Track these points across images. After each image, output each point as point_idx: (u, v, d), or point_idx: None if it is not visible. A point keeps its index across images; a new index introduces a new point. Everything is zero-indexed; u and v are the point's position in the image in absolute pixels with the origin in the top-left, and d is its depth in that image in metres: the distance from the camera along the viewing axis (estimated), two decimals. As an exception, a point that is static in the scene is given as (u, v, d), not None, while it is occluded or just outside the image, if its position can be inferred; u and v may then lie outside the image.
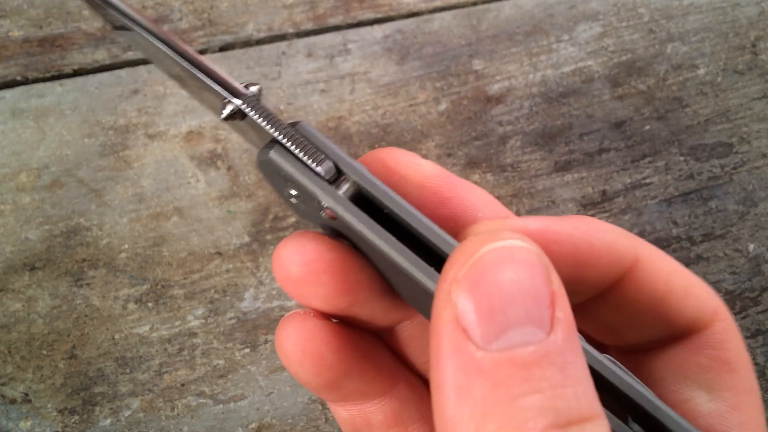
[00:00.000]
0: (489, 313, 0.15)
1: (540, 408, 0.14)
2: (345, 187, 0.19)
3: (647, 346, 0.23)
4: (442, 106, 0.48)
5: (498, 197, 0.45)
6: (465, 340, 0.15)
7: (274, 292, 0.42)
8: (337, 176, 0.19)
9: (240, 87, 0.20)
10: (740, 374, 0.21)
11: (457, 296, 0.15)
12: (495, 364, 0.14)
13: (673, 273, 0.22)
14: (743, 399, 0.21)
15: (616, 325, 0.23)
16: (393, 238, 0.19)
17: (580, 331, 0.23)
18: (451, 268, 0.16)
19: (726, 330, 0.22)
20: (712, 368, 0.21)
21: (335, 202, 0.19)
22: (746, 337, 0.41)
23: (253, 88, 0.20)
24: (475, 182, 0.46)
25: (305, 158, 0.19)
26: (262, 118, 0.20)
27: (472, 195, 0.22)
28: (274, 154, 0.19)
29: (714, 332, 0.22)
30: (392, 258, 0.19)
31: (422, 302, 0.19)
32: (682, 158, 0.47)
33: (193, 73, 0.20)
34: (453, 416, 0.15)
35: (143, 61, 0.49)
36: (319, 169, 0.19)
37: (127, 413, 0.39)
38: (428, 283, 0.18)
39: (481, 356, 0.14)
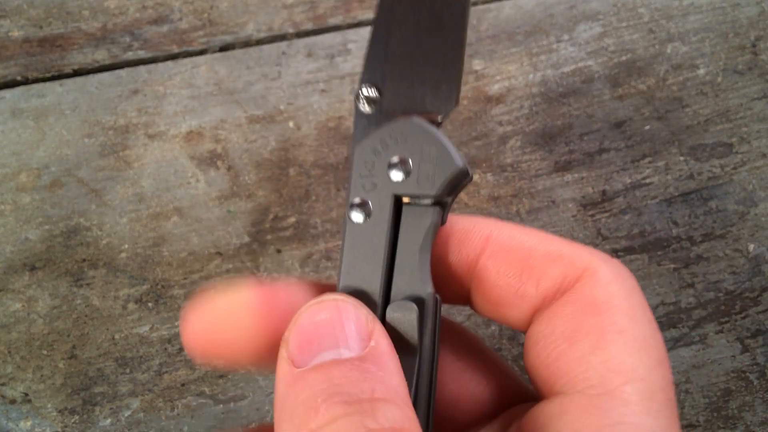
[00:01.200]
0: (308, 343, 0.19)
1: (332, 393, 0.17)
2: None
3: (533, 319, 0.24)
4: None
5: (498, 197, 0.45)
6: (290, 365, 0.19)
7: (274, 292, 0.42)
8: None
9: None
10: (609, 316, 0.21)
11: (287, 340, 0.19)
12: (304, 373, 0.18)
13: (533, 243, 0.24)
14: (610, 338, 0.21)
15: (497, 301, 0.24)
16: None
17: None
18: (290, 325, 0.20)
19: (594, 279, 0.22)
20: (576, 315, 0.22)
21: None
22: (746, 337, 0.41)
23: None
24: (475, 182, 0.46)
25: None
26: None
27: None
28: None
29: (581, 283, 0.23)
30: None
31: None
32: (682, 158, 0.47)
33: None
34: (277, 425, 0.18)
35: (143, 61, 0.49)
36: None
37: (127, 413, 0.39)
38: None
39: (297, 371, 0.19)
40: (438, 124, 0.23)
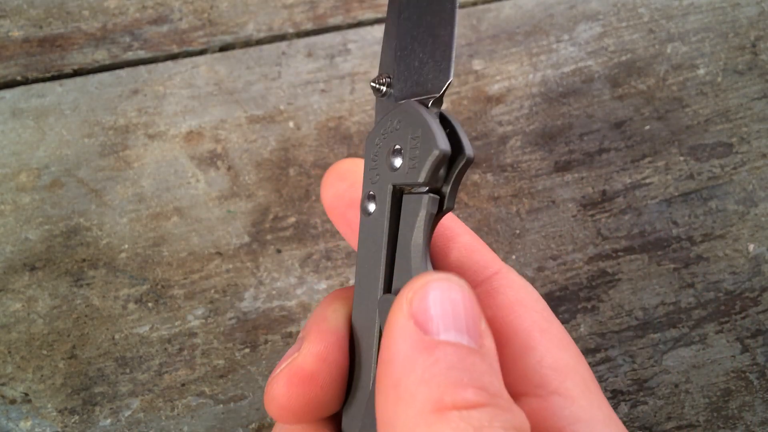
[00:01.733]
0: (440, 315, 0.19)
1: (469, 380, 0.17)
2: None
3: None
4: (442, 106, 0.48)
5: (498, 197, 0.45)
6: (416, 328, 0.19)
7: (274, 292, 0.42)
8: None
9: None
10: (528, 316, 0.23)
11: (411, 300, 0.19)
12: (438, 344, 0.18)
13: (462, 235, 0.25)
14: (535, 339, 0.22)
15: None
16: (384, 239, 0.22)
17: None
18: (407, 287, 0.20)
19: (505, 282, 0.24)
20: (496, 318, 0.23)
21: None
22: (746, 337, 0.41)
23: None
24: (475, 182, 0.46)
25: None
26: None
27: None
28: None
29: (492, 284, 0.24)
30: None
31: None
32: (682, 158, 0.47)
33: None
34: (398, 381, 0.18)
35: (143, 61, 0.49)
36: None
37: (127, 413, 0.39)
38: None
39: (427, 338, 0.18)
40: (439, 102, 0.23)
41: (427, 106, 0.22)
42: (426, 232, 0.22)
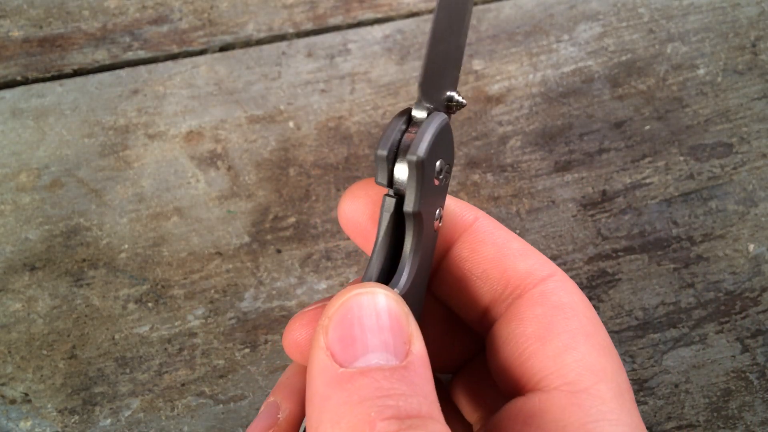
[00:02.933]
0: (351, 340, 0.18)
1: (384, 406, 0.17)
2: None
3: (496, 310, 0.25)
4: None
5: (498, 197, 0.45)
6: (331, 361, 0.18)
7: (274, 292, 0.42)
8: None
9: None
10: (577, 320, 0.23)
11: (327, 329, 0.19)
12: (351, 377, 0.18)
13: (508, 239, 0.25)
14: (580, 340, 0.22)
15: (456, 288, 0.26)
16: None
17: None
18: (326, 310, 0.19)
19: (560, 285, 0.24)
20: (546, 317, 0.23)
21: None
22: (746, 338, 0.41)
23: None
24: (475, 182, 0.46)
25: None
26: None
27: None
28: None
29: (548, 285, 0.24)
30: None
31: None
32: (682, 158, 0.47)
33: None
34: (316, 423, 0.17)
35: (143, 61, 0.49)
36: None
37: (127, 413, 0.39)
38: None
39: (341, 371, 0.18)
40: (421, 104, 0.23)
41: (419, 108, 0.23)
42: (384, 230, 0.23)
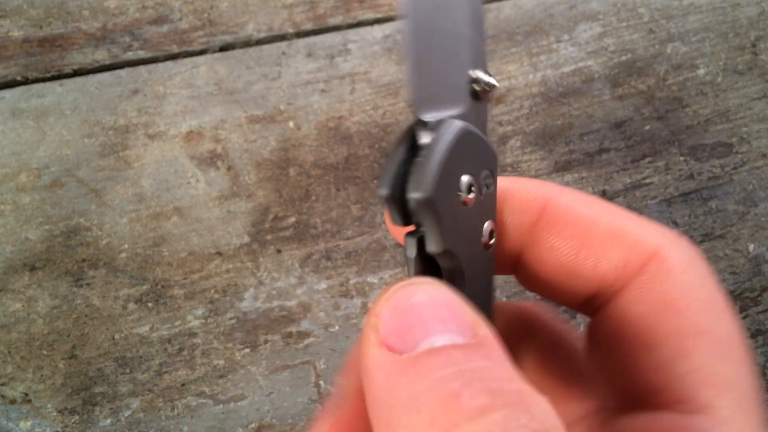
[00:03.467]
0: (408, 327, 0.16)
1: (463, 384, 0.14)
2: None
3: (596, 304, 0.21)
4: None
5: (498, 197, 0.45)
6: (389, 354, 0.15)
7: (274, 292, 0.42)
8: None
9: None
10: (687, 315, 0.18)
11: (376, 326, 0.16)
12: (418, 358, 0.15)
13: (594, 216, 0.20)
14: (692, 343, 0.18)
15: (548, 278, 0.21)
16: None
17: None
18: (372, 309, 0.17)
19: (666, 269, 0.19)
20: (650, 315, 0.19)
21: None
22: (746, 337, 0.41)
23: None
24: (475, 182, 0.46)
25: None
26: None
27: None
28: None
29: (650, 274, 0.19)
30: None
31: None
32: (682, 158, 0.47)
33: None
34: (386, 418, 0.15)
35: (143, 61, 0.49)
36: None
37: (127, 413, 0.39)
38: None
39: (405, 357, 0.15)
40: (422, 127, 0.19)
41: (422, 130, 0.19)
42: (411, 272, 0.19)
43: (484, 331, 0.16)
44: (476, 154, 0.20)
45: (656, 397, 0.18)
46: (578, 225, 0.20)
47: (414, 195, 0.18)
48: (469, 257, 0.19)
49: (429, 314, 0.16)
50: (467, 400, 0.14)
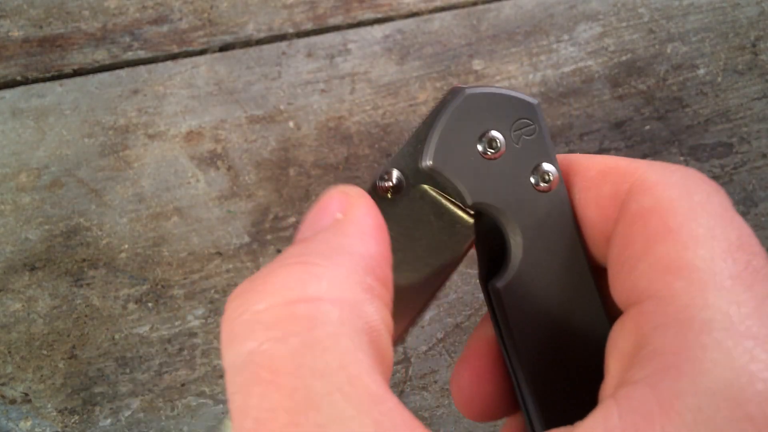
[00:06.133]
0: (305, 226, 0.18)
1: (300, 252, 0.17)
2: None
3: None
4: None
5: (498, 197, 0.45)
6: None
7: (274, 292, 0.42)
8: None
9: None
10: (654, 220, 0.18)
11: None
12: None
13: (591, 164, 0.21)
14: (658, 239, 0.17)
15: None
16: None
17: None
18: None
19: (642, 187, 0.19)
20: (624, 234, 0.18)
21: None
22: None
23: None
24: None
25: None
26: None
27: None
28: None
29: (629, 197, 0.19)
30: None
31: None
32: (682, 158, 0.47)
33: None
34: None
35: (143, 61, 0.49)
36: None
37: (127, 413, 0.39)
38: None
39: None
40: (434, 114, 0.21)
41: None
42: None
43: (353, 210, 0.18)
44: (496, 110, 0.20)
45: (629, 302, 0.18)
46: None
47: (421, 166, 0.19)
48: (516, 205, 0.20)
49: (317, 214, 0.18)
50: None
